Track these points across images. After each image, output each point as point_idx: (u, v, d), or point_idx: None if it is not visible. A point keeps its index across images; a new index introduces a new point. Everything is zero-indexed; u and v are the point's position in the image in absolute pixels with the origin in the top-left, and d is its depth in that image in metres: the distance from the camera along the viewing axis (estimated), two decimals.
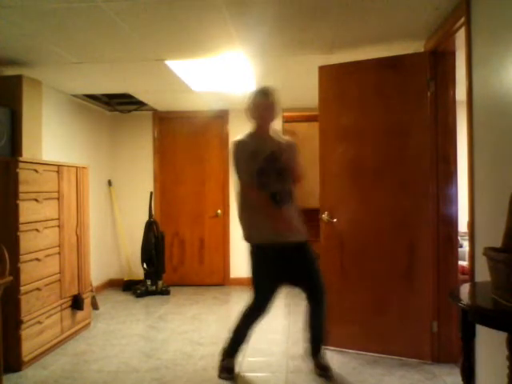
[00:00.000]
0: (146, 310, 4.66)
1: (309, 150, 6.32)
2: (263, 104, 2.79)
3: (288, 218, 2.75)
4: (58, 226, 3.49)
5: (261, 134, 2.85)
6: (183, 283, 5.62)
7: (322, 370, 2.83)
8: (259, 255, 2.77)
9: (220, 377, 2.87)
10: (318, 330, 2.85)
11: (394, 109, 3.12)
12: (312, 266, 2.82)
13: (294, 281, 2.87)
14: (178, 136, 5.76)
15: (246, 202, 2.80)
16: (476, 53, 2.29)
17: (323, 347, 2.92)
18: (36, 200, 3.18)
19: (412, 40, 3.12)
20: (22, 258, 3.00)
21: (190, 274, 5.70)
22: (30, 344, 3.08)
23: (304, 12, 2.62)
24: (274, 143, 2.85)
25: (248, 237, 2.80)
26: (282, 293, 5.15)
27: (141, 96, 4.96)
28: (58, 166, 3.52)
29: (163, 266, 5.30)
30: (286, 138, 3.02)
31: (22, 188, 3.01)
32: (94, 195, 4.97)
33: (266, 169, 2.75)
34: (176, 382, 2.83)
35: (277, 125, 5.51)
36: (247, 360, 3.18)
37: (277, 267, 2.76)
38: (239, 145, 2.79)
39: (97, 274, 5.08)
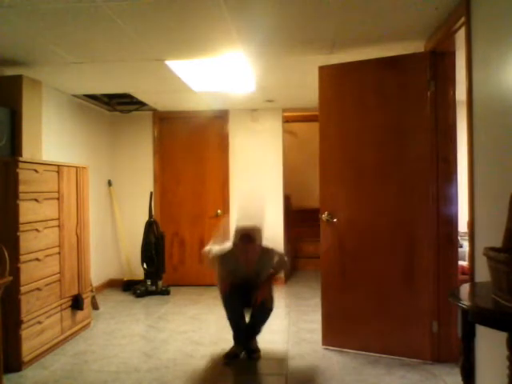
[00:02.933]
0: (146, 310, 4.66)
1: (309, 150, 6.36)
2: (242, 248, 3.16)
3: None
4: (58, 226, 3.49)
5: (241, 261, 3.22)
6: (183, 283, 5.62)
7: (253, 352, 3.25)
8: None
9: (223, 362, 3.16)
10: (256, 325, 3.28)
11: (394, 109, 3.12)
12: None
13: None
14: (178, 136, 5.76)
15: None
16: (476, 53, 2.29)
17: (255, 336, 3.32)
18: (36, 200, 3.18)
19: (412, 40, 3.12)
20: (22, 257, 3.00)
21: (190, 274, 5.69)
22: (30, 344, 3.08)
23: (304, 11, 2.62)
24: (250, 269, 3.25)
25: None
26: (282, 293, 5.16)
27: (141, 96, 4.96)
28: (58, 165, 3.52)
29: (163, 265, 5.30)
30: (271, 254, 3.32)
31: (22, 188, 3.00)
32: (94, 195, 4.97)
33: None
34: (176, 382, 2.84)
35: (277, 125, 5.58)
36: (247, 360, 3.18)
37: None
38: (222, 258, 3.29)
39: (97, 274, 5.08)
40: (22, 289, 3.00)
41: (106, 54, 3.36)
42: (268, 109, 5.55)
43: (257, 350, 3.27)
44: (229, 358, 3.18)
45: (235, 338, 3.28)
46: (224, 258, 3.26)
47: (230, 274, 3.27)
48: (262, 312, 3.23)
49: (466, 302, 1.58)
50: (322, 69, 3.32)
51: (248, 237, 3.14)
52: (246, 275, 3.25)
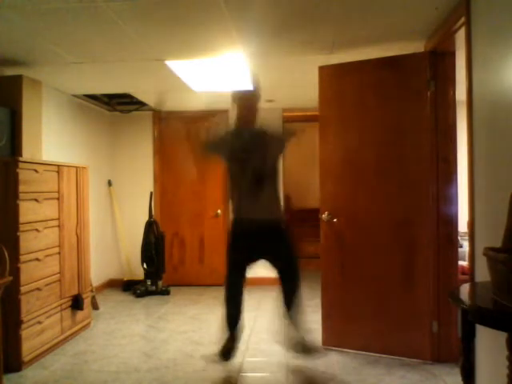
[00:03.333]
0: (146, 310, 4.66)
1: (309, 150, 6.35)
2: (241, 105, 2.98)
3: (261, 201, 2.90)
4: (58, 226, 3.49)
5: (242, 128, 3.00)
6: (183, 283, 5.62)
7: (302, 349, 2.92)
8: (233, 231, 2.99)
9: (218, 360, 2.95)
10: (291, 306, 2.93)
11: (394, 109, 3.12)
12: (285, 250, 2.94)
13: (266, 259, 2.96)
14: (178, 136, 5.76)
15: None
16: (476, 53, 2.29)
17: (300, 324, 2.96)
18: (36, 200, 3.18)
19: (412, 40, 3.12)
20: (22, 257, 3.00)
21: (190, 274, 5.69)
22: (30, 344, 3.08)
23: (304, 11, 2.62)
24: (251, 138, 2.94)
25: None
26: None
27: (141, 96, 4.96)
28: (58, 165, 3.52)
29: (163, 266, 5.30)
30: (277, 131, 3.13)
31: (22, 188, 3.00)
32: (94, 195, 4.96)
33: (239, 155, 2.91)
34: (176, 382, 2.83)
35: (277, 125, 5.57)
36: (247, 360, 3.18)
37: (248, 244, 2.90)
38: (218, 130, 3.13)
39: (97, 274, 5.07)
40: (22, 289, 3.00)
41: (106, 54, 3.36)
42: (268, 109, 5.54)
43: (307, 348, 2.89)
44: (223, 355, 2.92)
45: (227, 322, 2.97)
46: (221, 141, 3.03)
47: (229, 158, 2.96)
48: (288, 265, 2.91)
49: (465, 301, 1.58)
50: (322, 69, 3.32)
51: (247, 93, 3.03)
52: (249, 154, 2.87)
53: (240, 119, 3.01)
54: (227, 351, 2.95)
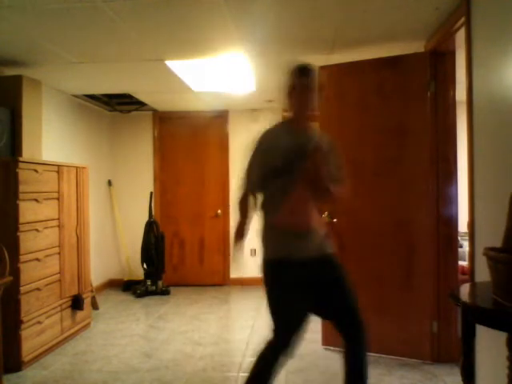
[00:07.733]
0: (145, 310, 4.66)
1: None
2: (299, 85, 2.08)
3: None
4: (58, 226, 3.49)
5: (294, 125, 2.20)
6: (183, 283, 5.62)
7: None
8: (274, 275, 2.05)
9: None
10: (357, 375, 2.07)
11: (394, 109, 3.12)
12: (343, 289, 2.15)
13: (320, 310, 2.14)
14: (178, 136, 5.76)
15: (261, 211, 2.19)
16: (476, 53, 2.29)
17: None
18: (36, 200, 3.18)
19: (412, 40, 3.12)
20: (22, 258, 3.00)
21: (190, 274, 5.69)
22: (30, 344, 3.08)
23: (304, 11, 2.63)
24: (306, 138, 2.16)
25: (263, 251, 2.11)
26: None
27: (141, 96, 4.96)
28: (58, 166, 3.52)
29: (163, 266, 5.30)
30: (327, 138, 2.33)
31: (22, 188, 3.00)
32: (94, 195, 4.96)
33: (284, 168, 2.09)
34: (176, 382, 2.83)
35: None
36: (247, 360, 3.18)
37: (297, 290, 2.01)
38: (263, 136, 2.26)
39: (97, 274, 5.07)
40: (22, 289, 3.00)
41: (106, 53, 3.36)
42: (268, 109, 5.54)
43: None
44: None
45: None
46: (268, 136, 2.23)
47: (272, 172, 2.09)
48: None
49: (466, 302, 1.58)
50: (322, 69, 3.31)
51: (307, 69, 2.06)
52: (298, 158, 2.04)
53: (297, 111, 2.16)
54: None
